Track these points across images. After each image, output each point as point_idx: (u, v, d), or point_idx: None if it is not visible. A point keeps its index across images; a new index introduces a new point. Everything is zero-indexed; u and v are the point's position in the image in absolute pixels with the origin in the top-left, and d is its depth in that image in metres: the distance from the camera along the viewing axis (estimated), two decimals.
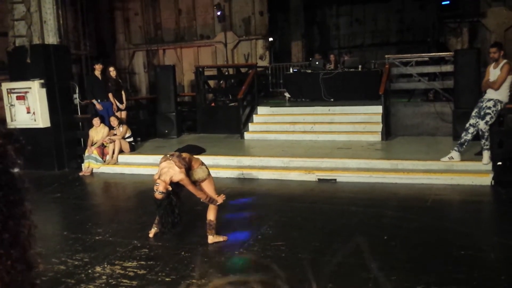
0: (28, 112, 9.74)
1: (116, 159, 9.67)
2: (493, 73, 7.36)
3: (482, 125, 7.30)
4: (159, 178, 4.88)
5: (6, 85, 9.92)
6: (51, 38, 9.87)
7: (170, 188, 4.86)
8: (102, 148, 9.74)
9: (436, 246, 4.94)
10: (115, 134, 9.86)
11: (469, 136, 7.49)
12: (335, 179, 7.82)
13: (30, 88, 9.62)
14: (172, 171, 4.86)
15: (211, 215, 5.25)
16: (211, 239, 5.24)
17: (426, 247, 4.92)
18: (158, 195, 4.84)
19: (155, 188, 4.87)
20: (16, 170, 0.63)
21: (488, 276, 4.22)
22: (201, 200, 5.19)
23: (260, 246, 5.12)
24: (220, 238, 5.29)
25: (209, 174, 5.29)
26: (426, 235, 5.27)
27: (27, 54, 9.63)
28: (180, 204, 5.02)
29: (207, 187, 5.21)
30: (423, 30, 18.33)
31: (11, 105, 9.86)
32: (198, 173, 5.15)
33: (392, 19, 20.09)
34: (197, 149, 9.15)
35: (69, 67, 10.65)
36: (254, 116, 11.45)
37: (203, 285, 0.37)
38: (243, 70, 13.70)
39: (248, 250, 5.02)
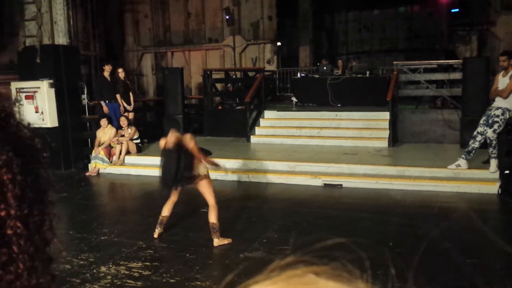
0: (37, 112, 9.80)
1: (122, 160, 9.71)
2: (502, 81, 7.33)
3: (490, 133, 7.27)
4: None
5: (15, 84, 10.00)
6: (61, 39, 9.96)
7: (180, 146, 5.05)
8: (109, 148, 9.78)
9: (441, 254, 4.91)
10: (122, 135, 9.91)
11: (476, 144, 7.45)
12: (341, 185, 7.81)
13: (39, 87, 9.69)
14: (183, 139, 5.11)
15: (212, 217, 5.25)
16: (216, 242, 5.25)
17: (431, 254, 4.90)
18: (170, 144, 5.00)
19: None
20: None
21: (493, 284, 4.19)
22: (207, 165, 5.31)
23: (265, 249, 5.12)
24: (225, 241, 5.29)
25: (208, 174, 5.31)
26: (432, 242, 5.24)
27: (37, 54, 9.70)
28: (183, 168, 5.07)
29: (206, 186, 5.24)
30: (432, 38, 18.31)
31: (20, 104, 9.93)
32: (199, 168, 5.19)
33: (400, 26, 20.09)
34: (204, 151, 9.15)
35: (78, 67, 10.72)
36: (260, 120, 11.46)
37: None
38: (250, 74, 13.73)
39: (252, 253, 5.02)
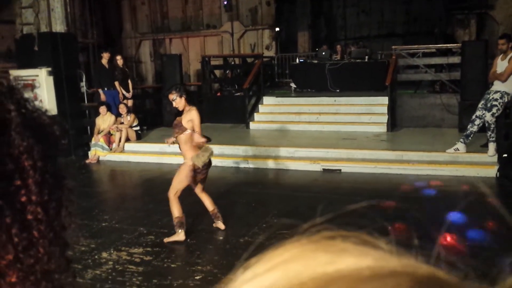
0: (35, 100, 9.75)
1: (122, 147, 9.73)
2: (501, 64, 7.33)
3: (488, 117, 7.28)
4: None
5: (13, 73, 9.97)
6: (59, 26, 9.90)
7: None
8: (108, 136, 9.80)
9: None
10: (122, 123, 9.92)
11: (475, 128, 7.47)
12: (340, 170, 7.84)
13: (37, 76, 9.67)
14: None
15: (209, 205, 5.23)
16: (222, 225, 5.27)
17: (430, 237, 4.95)
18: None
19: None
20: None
21: (493, 267, 4.24)
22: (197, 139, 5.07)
23: (265, 234, 5.16)
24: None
25: (194, 164, 5.12)
26: (430, 226, 5.29)
27: (35, 42, 9.66)
28: None
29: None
30: (430, 22, 18.20)
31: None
32: (187, 154, 5.12)
33: (398, 10, 19.95)
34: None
35: (76, 55, 10.69)
36: (259, 106, 11.46)
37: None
38: (249, 60, 13.69)
39: (253, 237, 5.07)
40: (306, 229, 0.38)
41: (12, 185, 0.58)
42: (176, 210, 4.97)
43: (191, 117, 5.02)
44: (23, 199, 0.59)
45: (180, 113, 5.22)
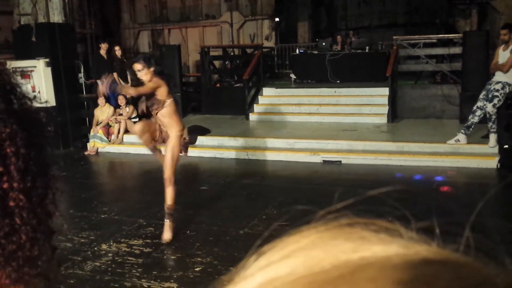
0: (33, 91, 9.73)
1: (121, 138, 9.69)
2: (502, 55, 7.27)
3: (489, 107, 7.24)
4: None
5: (11, 64, 9.90)
6: (56, 17, 9.82)
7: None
8: (107, 127, 9.75)
9: (442, 224, 4.94)
10: (120, 114, 9.86)
11: (476, 119, 7.43)
12: (340, 161, 7.81)
13: (35, 67, 9.60)
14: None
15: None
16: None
17: (430, 229, 4.93)
18: None
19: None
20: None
21: (495, 251, 4.22)
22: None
23: (264, 226, 5.14)
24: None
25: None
26: (431, 217, 5.27)
27: (32, 33, 9.58)
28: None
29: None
30: (431, 12, 18.08)
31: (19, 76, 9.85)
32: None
33: (400, 0, 19.82)
34: (203, 130, 9.14)
35: (74, 46, 10.61)
36: (259, 97, 11.40)
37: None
38: (248, 50, 13.59)
39: (252, 229, 5.05)
40: (322, 216, 0.36)
41: None
42: (172, 197, 4.71)
43: (157, 85, 4.57)
44: (5, 186, 0.59)
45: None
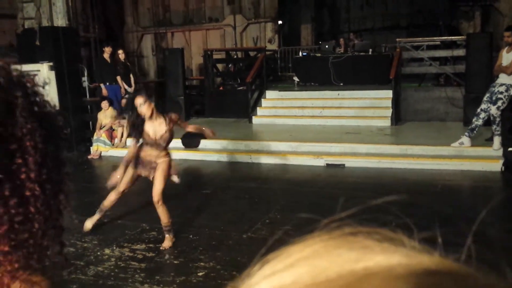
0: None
1: (124, 142, 9.69)
2: (506, 57, 7.24)
3: (493, 110, 7.21)
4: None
5: (14, 68, 9.94)
6: (60, 21, 9.85)
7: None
8: (110, 131, 9.76)
9: (445, 233, 4.91)
10: (124, 118, 9.87)
11: (480, 121, 7.40)
12: (344, 164, 7.79)
13: (39, 70, 9.62)
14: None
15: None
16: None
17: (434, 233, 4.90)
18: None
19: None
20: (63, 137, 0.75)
21: (496, 261, 4.19)
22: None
23: (267, 230, 5.13)
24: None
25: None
26: (435, 221, 5.24)
27: (36, 37, 9.62)
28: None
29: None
30: (434, 14, 18.04)
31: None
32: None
33: (402, 2, 19.80)
34: (196, 136, 9.11)
35: (78, 49, 10.64)
36: (262, 100, 11.39)
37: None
38: (252, 53, 13.60)
39: (256, 233, 5.03)
40: (325, 225, 0.37)
41: (14, 162, 0.64)
42: (165, 215, 4.76)
43: (170, 120, 4.76)
44: (23, 176, 0.65)
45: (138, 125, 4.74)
